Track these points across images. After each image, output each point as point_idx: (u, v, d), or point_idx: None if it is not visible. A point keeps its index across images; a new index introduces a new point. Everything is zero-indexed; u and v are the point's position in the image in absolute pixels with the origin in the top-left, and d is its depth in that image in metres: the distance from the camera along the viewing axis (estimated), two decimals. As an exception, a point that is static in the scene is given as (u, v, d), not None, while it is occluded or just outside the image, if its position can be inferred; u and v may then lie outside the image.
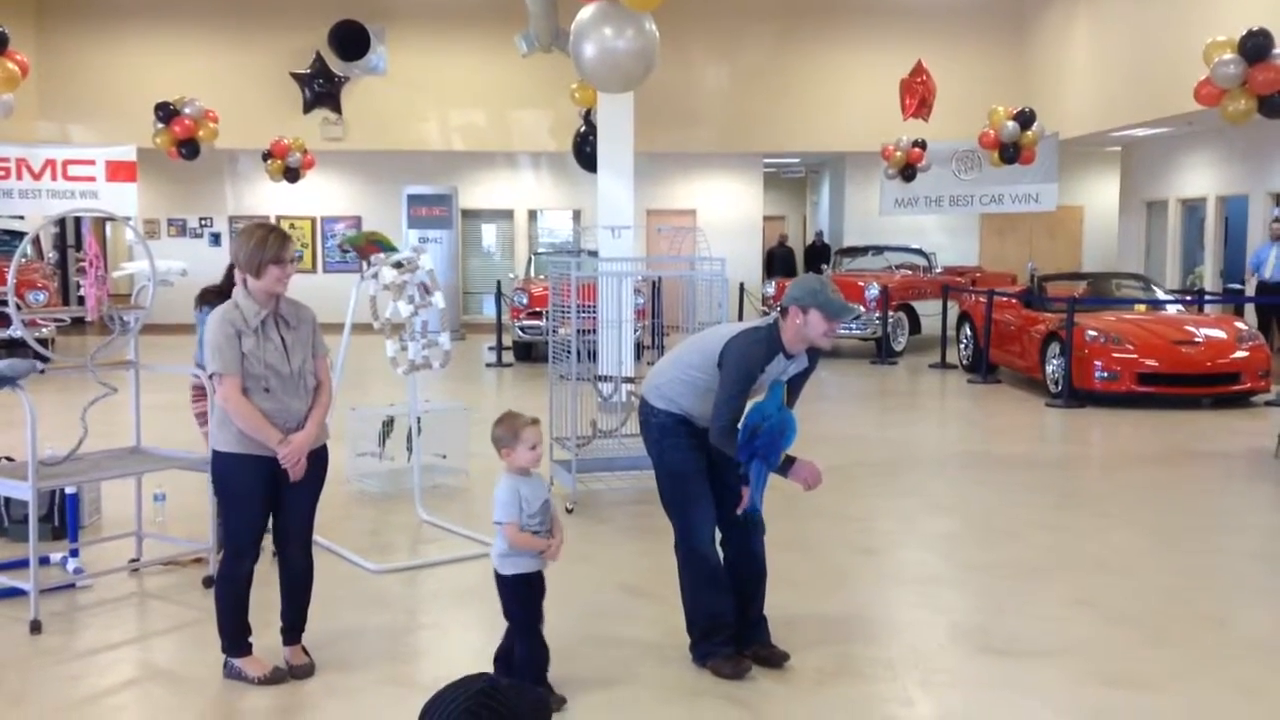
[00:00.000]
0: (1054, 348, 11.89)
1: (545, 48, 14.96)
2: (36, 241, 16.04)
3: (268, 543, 4.53)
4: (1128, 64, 15.73)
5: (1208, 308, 14.11)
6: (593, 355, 9.16)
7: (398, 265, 6.55)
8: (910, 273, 17.90)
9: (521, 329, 15.23)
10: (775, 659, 4.56)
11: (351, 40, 18.59)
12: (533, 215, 21.95)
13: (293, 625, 4.54)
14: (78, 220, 20.09)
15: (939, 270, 18.35)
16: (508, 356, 15.57)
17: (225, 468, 4.38)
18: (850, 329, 15.88)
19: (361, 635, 4.96)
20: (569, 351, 7.59)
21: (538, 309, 14.57)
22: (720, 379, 4.36)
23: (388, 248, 6.83)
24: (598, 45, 8.88)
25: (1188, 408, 11.29)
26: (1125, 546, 6.50)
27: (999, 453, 9.43)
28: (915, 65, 16.06)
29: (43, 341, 10.13)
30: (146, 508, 6.18)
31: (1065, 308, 11.73)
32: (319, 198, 20.92)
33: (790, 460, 4.37)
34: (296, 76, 19.13)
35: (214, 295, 5.67)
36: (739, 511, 4.42)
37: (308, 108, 19.20)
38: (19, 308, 5.75)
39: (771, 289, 17.50)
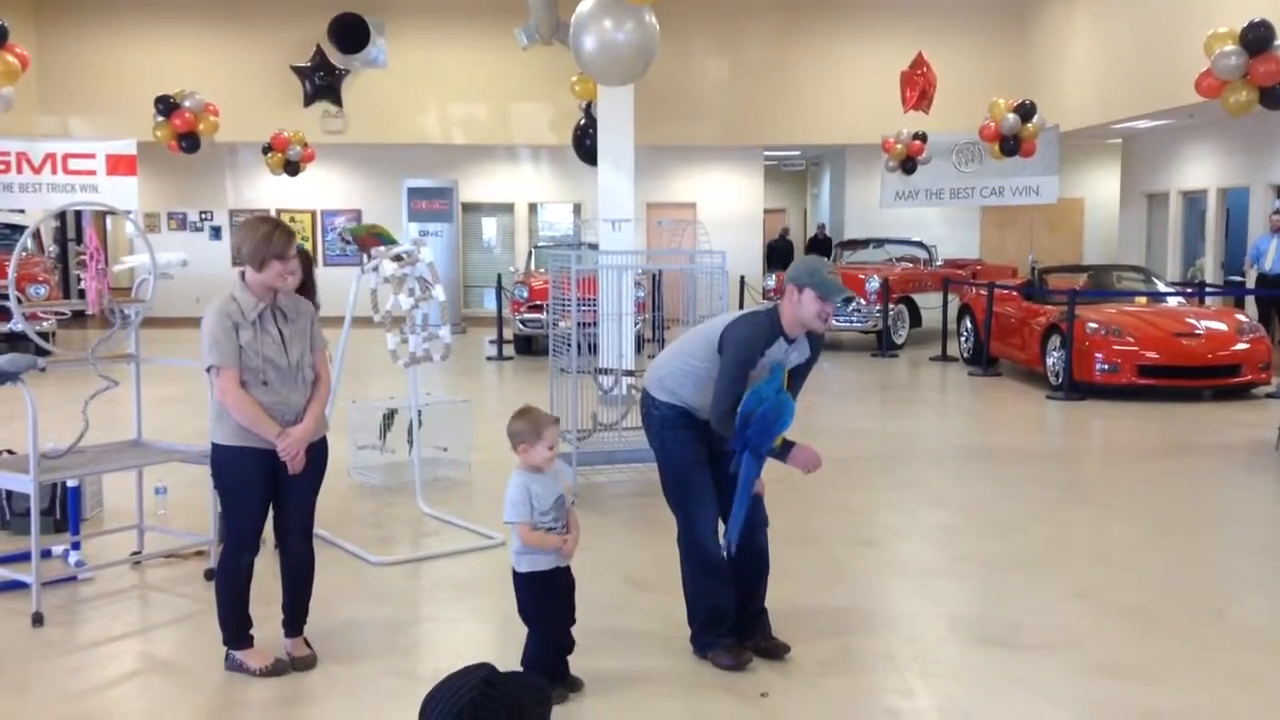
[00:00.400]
0: (1055, 340, 11.89)
1: (545, 40, 14.95)
2: (37, 235, 16.04)
3: (268, 535, 4.54)
4: (1128, 56, 15.71)
5: (1208, 300, 14.11)
6: (593, 348, 9.17)
7: (397, 258, 6.56)
8: (911, 265, 17.88)
9: (522, 322, 15.23)
10: (776, 651, 4.57)
11: (351, 33, 18.56)
12: (533, 208, 21.94)
13: (294, 617, 4.55)
14: (78, 214, 20.09)
15: (939, 263, 18.33)
16: (508, 350, 15.57)
17: (224, 461, 4.38)
18: (851, 322, 15.90)
19: (363, 627, 4.97)
20: (569, 345, 7.59)
21: (538, 302, 14.57)
22: (720, 364, 4.36)
23: (388, 241, 6.83)
24: (598, 38, 8.87)
25: (1188, 400, 11.29)
26: (1125, 538, 6.51)
27: (999, 445, 9.43)
28: (916, 57, 16.04)
29: (43, 335, 10.14)
30: (148, 501, 6.20)
31: (1066, 300, 11.73)
32: (319, 191, 20.91)
33: (789, 445, 4.38)
34: (297, 69, 19.11)
35: None
36: (726, 556, 4.42)
37: (308, 101, 19.18)
38: (19, 301, 5.75)
39: (772, 282, 17.49)
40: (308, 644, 4.56)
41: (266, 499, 4.42)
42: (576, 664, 4.29)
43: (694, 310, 7.85)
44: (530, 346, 15.47)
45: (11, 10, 15.49)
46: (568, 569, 4.26)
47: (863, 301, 15.75)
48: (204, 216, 21.14)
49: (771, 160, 23.75)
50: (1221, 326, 11.75)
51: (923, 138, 16.60)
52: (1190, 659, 4.66)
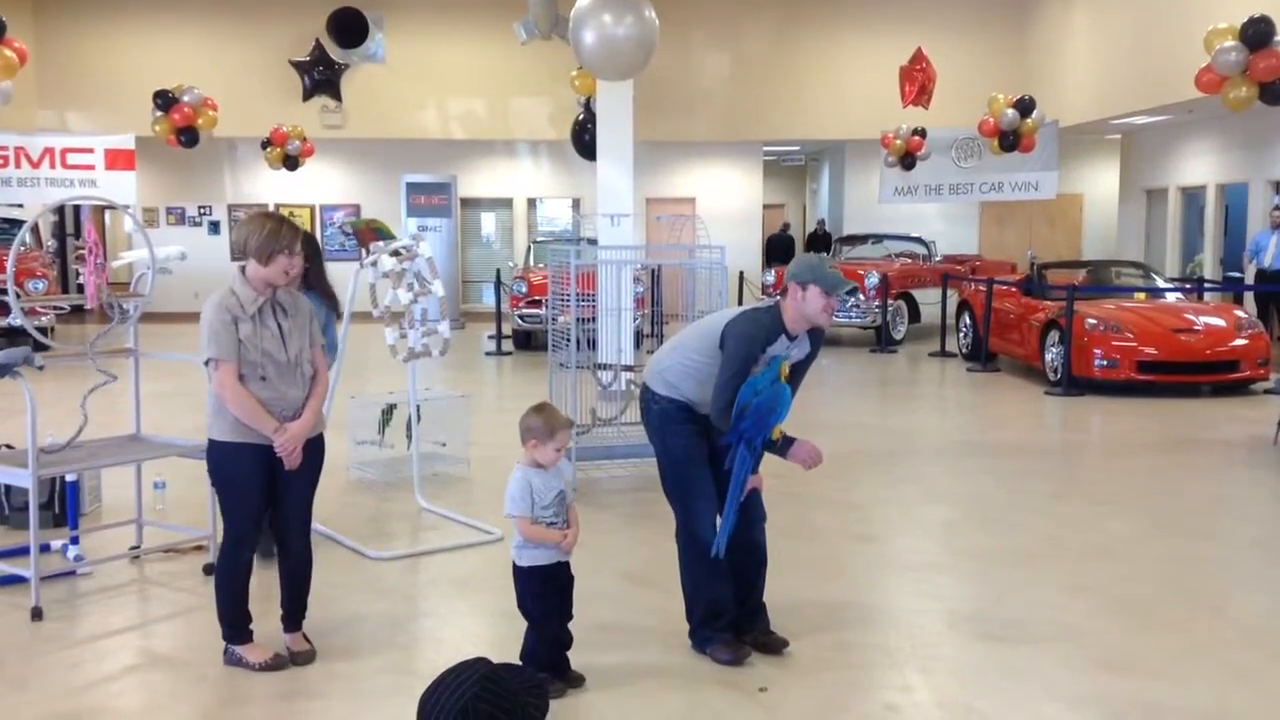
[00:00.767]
0: (1053, 336, 11.89)
1: (544, 35, 14.93)
2: (35, 230, 16.02)
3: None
4: (1128, 51, 15.70)
5: (1207, 296, 14.12)
6: (592, 343, 9.17)
7: (395, 254, 6.55)
8: (910, 261, 17.88)
9: (521, 317, 15.23)
10: (775, 645, 4.57)
11: (350, 27, 18.53)
12: (532, 203, 21.93)
13: (293, 612, 4.55)
14: (76, 208, 20.07)
15: (939, 258, 18.33)
16: (507, 345, 15.57)
17: (221, 456, 4.36)
18: (850, 317, 15.89)
19: (361, 622, 4.97)
20: (568, 340, 7.59)
21: (537, 297, 14.57)
22: (721, 360, 4.36)
23: (387, 236, 6.82)
24: (597, 32, 8.87)
25: (1187, 396, 11.29)
26: (1124, 534, 6.51)
27: (998, 441, 9.44)
28: (915, 53, 16.02)
29: (42, 330, 10.13)
30: (146, 495, 6.19)
31: (1065, 296, 11.73)
32: (318, 186, 20.89)
33: (789, 441, 4.37)
34: (296, 64, 19.09)
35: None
36: (712, 554, 4.39)
37: (307, 95, 19.17)
38: (18, 296, 5.75)
39: (771, 277, 17.49)
40: (307, 639, 4.56)
41: (265, 494, 4.41)
42: (575, 659, 4.30)
43: (693, 305, 7.84)
44: (529, 342, 15.47)
45: (10, 4, 15.46)
46: (567, 564, 4.26)
47: (862, 297, 15.75)
48: (203, 211, 21.12)
49: (771, 156, 23.73)
50: (1220, 322, 11.75)
51: (922, 133, 16.60)
52: (1189, 653, 4.66)
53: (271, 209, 21.00)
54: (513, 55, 17.87)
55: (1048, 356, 12.00)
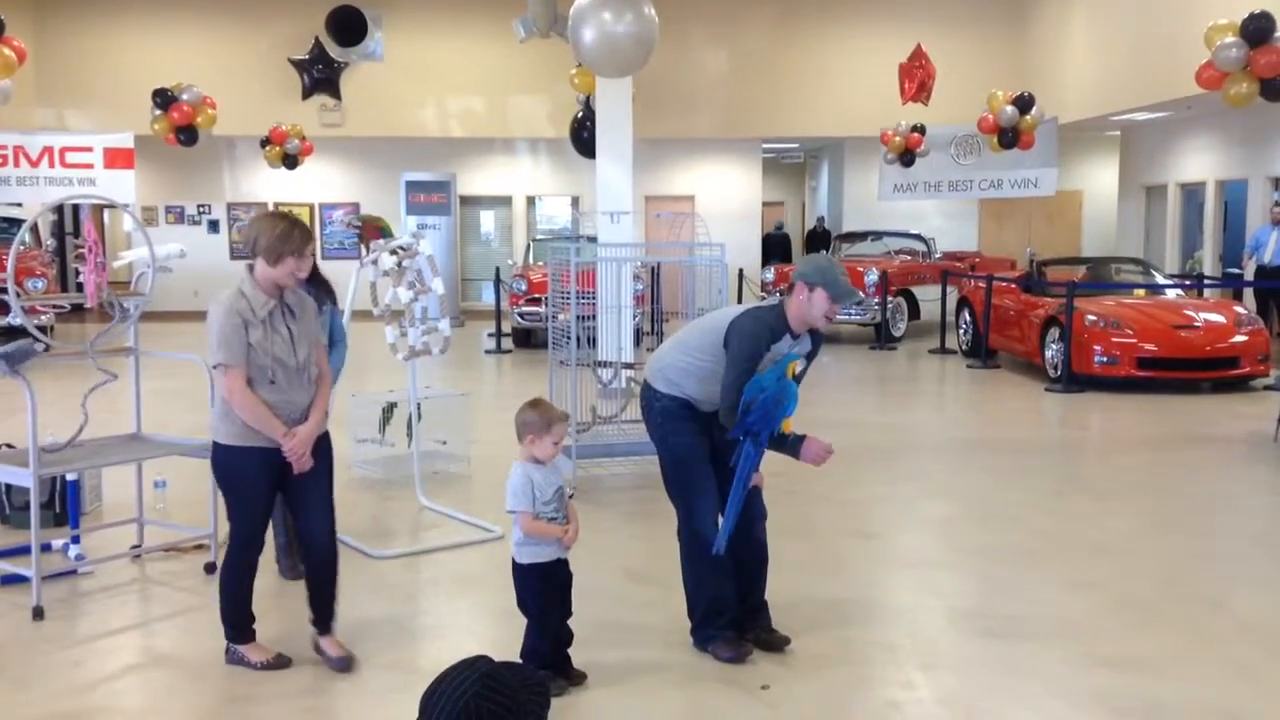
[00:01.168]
0: (1053, 332, 11.89)
1: (543, 33, 14.93)
2: (34, 229, 16.01)
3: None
4: (1127, 47, 15.69)
5: (1207, 292, 14.11)
6: (592, 341, 9.17)
7: (394, 252, 6.55)
8: (909, 258, 17.88)
9: (520, 315, 15.22)
10: (776, 643, 4.57)
11: (349, 26, 18.52)
12: (531, 201, 21.93)
13: (323, 614, 4.47)
14: (75, 207, 20.05)
15: (938, 255, 18.34)
16: (507, 343, 15.57)
17: (227, 460, 4.32)
18: (850, 314, 15.88)
19: (363, 620, 4.96)
20: (568, 337, 7.59)
21: (537, 295, 14.56)
22: (727, 359, 4.35)
23: (388, 234, 6.83)
24: (597, 30, 8.87)
25: (1187, 392, 11.30)
26: (1124, 530, 6.51)
27: (998, 438, 9.43)
28: (914, 49, 16.01)
29: (42, 329, 10.13)
30: (147, 494, 6.20)
31: (1064, 292, 11.73)
32: (317, 184, 20.89)
33: (799, 439, 4.37)
34: (295, 62, 19.08)
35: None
36: (713, 551, 4.38)
37: (306, 94, 19.16)
38: (18, 295, 5.75)
39: (771, 275, 17.49)
40: (341, 644, 4.48)
41: (271, 498, 4.39)
42: (577, 657, 4.30)
43: (693, 303, 7.84)
44: (529, 340, 15.46)
45: (9, 3, 15.43)
46: (566, 562, 4.26)
47: (861, 294, 15.74)
48: (202, 210, 21.12)
49: (770, 153, 23.73)
50: (1220, 319, 11.75)
51: (921, 130, 16.59)
52: (1190, 650, 4.67)
53: (271, 208, 21.03)
54: (511, 53, 17.86)
55: (1048, 353, 12.00)
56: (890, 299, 15.80)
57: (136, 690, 4.36)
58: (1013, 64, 19.08)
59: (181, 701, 4.21)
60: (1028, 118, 15.42)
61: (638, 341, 12.58)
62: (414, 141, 20.08)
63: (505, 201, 21.85)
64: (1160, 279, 13.67)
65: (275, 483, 4.36)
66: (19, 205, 16.96)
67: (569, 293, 7.55)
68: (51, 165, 16.32)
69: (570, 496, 4.41)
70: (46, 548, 5.69)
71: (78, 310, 16.45)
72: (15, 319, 5.45)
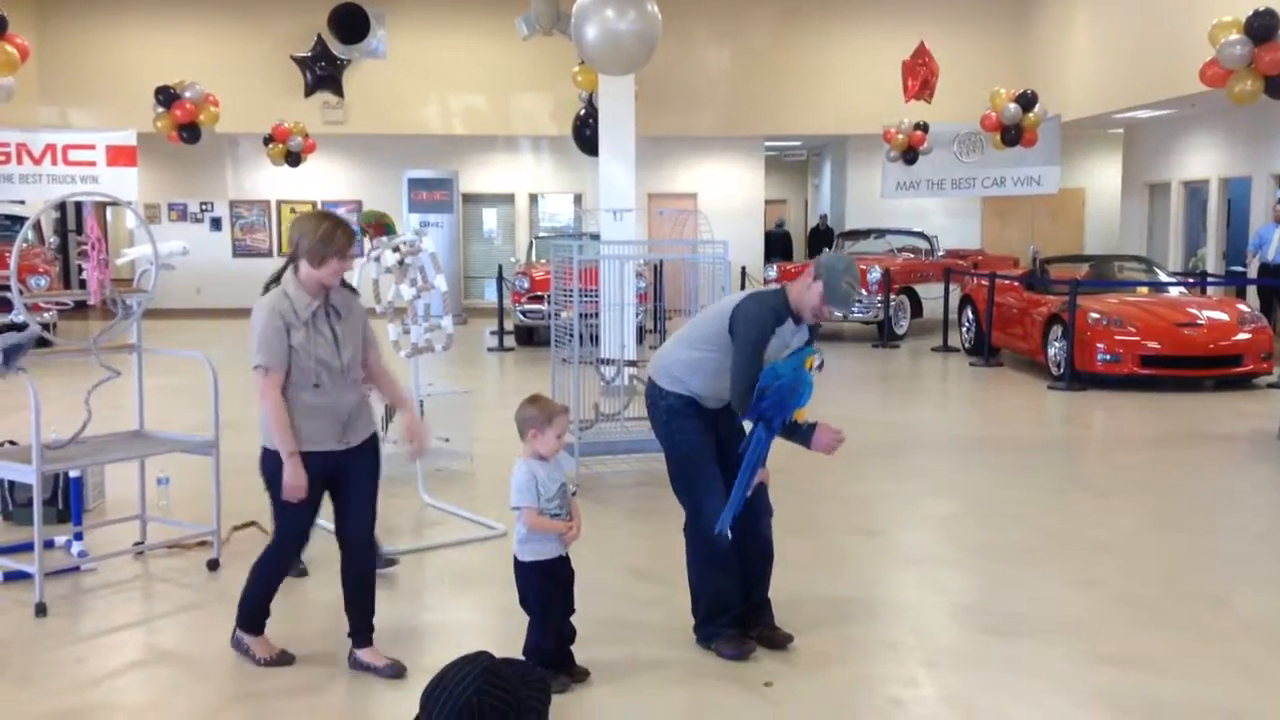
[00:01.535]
0: (1056, 330, 11.88)
1: (546, 30, 14.93)
2: (38, 226, 16.02)
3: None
4: (1130, 45, 15.67)
5: (1210, 290, 14.10)
6: (595, 339, 9.17)
7: (396, 249, 6.55)
8: (912, 256, 17.87)
9: (523, 313, 15.22)
10: (779, 640, 4.57)
11: (351, 23, 18.52)
12: (534, 199, 21.92)
13: (363, 625, 4.38)
14: (78, 205, 20.07)
15: (941, 253, 18.32)
16: (509, 340, 15.57)
17: (276, 467, 4.19)
18: (852, 312, 15.88)
19: (366, 617, 4.96)
20: (571, 335, 7.59)
21: (539, 293, 14.55)
22: (734, 345, 4.35)
23: (392, 231, 6.83)
24: (600, 27, 8.87)
25: (1190, 390, 11.29)
26: (1127, 528, 6.51)
27: (1001, 435, 9.43)
28: (917, 47, 16.00)
29: (45, 326, 10.12)
30: (150, 491, 6.20)
31: (1067, 290, 11.71)
32: (320, 182, 20.88)
33: (811, 428, 4.36)
34: (297, 60, 19.08)
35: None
36: (715, 530, 4.37)
37: (308, 91, 19.16)
38: (21, 292, 5.75)
39: (773, 272, 17.48)
40: (381, 652, 4.41)
41: (317, 503, 4.31)
42: (579, 654, 4.30)
43: (695, 300, 7.83)
44: (531, 337, 15.46)
45: (12, 1, 15.45)
46: (568, 559, 4.26)
47: (864, 292, 15.73)
48: (204, 208, 21.13)
49: (773, 150, 23.72)
50: (1223, 316, 11.74)
51: (924, 128, 16.58)
52: (1193, 648, 4.66)
53: (273, 205, 21.05)
54: (514, 51, 17.86)
55: (1050, 351, 11.99)
56: (893, 297, 15.80)
57: (139, 687, 4.37)
58: (1016, 61, 19.06)
59: (184, 698, 4.22)
60: (1031, 115, 15.41)
61: (640, 339, 12.58)
62: (417, 139, 20.09)
63: (508, 199, 21.85)
64: (1163, 277, 13.66)
65: (324, 486, 4.29)
66: (22, 203, 16.97)
67: (572, 290, 7.55)
68: (54, 163, 16.34)
69: (574, 493, 4.41)
70: (49, 544, 5.70)
71: (81, 307, 16.45)
72: (18, 316, 5.45)
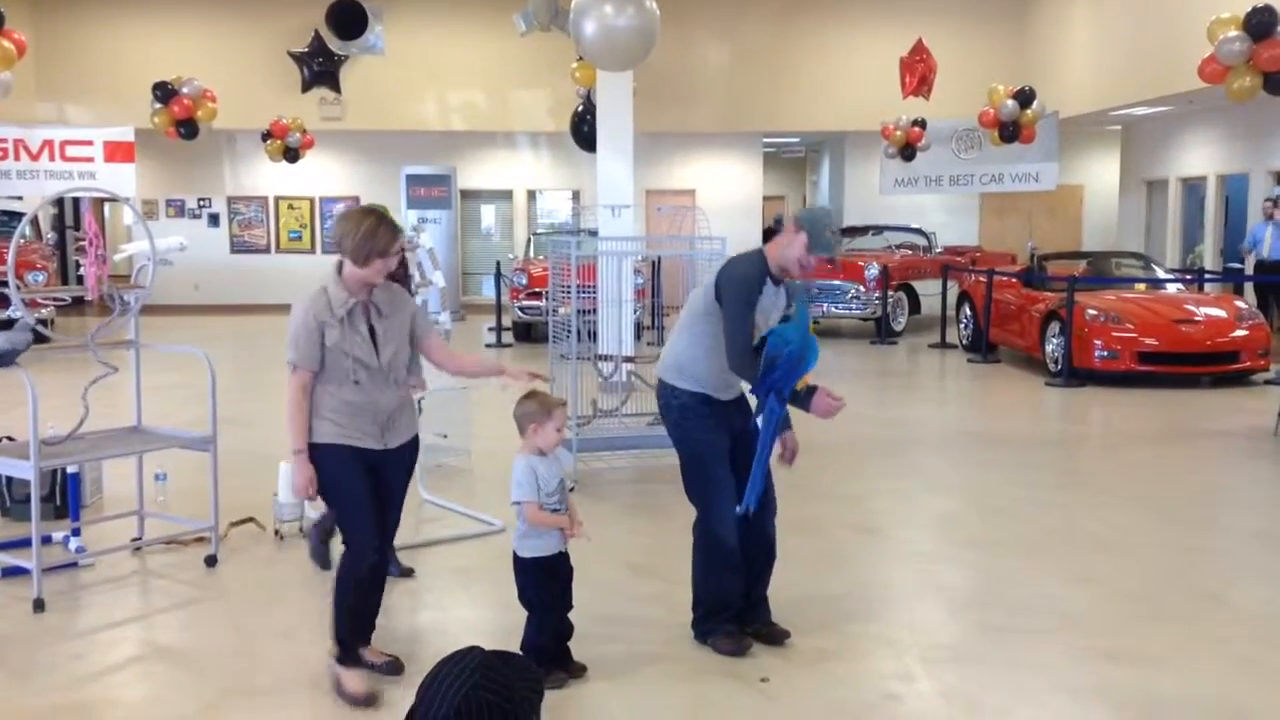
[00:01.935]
0: (1054, 327, 11.89)
1: (544, 26, 14.89)
2: (35, 222, 16.01)
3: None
4: (1128, 42, 15.67)
5: (1208, 286, 14.11)
6: (593, 335, 9.17)
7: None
8: (910, 252, 17.87)
9: (521, 309, 15.22)
10: (776, 636, 4.58)
11: (349, 19, 18.50)
12: (532, 195, 21.91)
13: (368, 624, 4.33)
14: (75, 201, 20.05)
15: (939, 250, 18.32)
16: (507, 337, 15.57)
17: (322, 460, 4.09)
18: (850, 309, 15.90)
19: (364, 613, 4.96)
20: (569, 331, 7.58)
21: (537, 289, 14.55)
22: (724, 310, 4.35)
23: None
24: (598, 23, 8.85)
25: (1187, 386, 11.29)
26: (1125, 524, 6.52)
27: (999, 432, 9.44)
28: (915, 44, 15.99)
29: (43, 322, 10.12)
30: (148, 487, 6.20)
31: (1065, 287, 11.72)
32: (318, 178, 20.88)
33: (811, 391, 4.34)
34: (295, 56, 19.06)
35: None
36: (738, 509, 4.38)
37: (306, 87, 19.14)
38: (18, 288, 5.75)
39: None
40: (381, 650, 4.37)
41: (374, 495, 4.14)
42: (577, 650, 4.30)
43: (694, 297, 7.80)
44: (529, 333, 15.46)
45: (8, -4, 15.42)
46: (568, 555, 4.26)
47: (862, 288, 15.73)
48: (202, 203, 21.11)
49: (771, 147, 23.70)
50: (1221, 313, 11.75)
51: (922, 124, 16.57)
52: (1190, 643, 4.67)
53: (271, 201, 21.03)
54: (512, 47, 17.82)
55: (1048, 347, 11.99)
56: (891, 293, 15.80)
57: (137, 682, 4.37)
58: (1014, 58, 19.05)
59: (182, 694, 4.22)
60: (1029, 112, 15.41)
61: (638, 335, 12.58)
62: (414, 135, 20.07)
63: (506, 195, 21.84)
64: (1161, 273, 13.67)
65: (371, 477, 4.15)
66: (19, 199, 16.94)
67: (570, 286, 7.55)
68: (52, 159, 16.30)
69: (571, 489, 4.40)
70: (47, 540, 5.69)
71: (78, 303, 16.47)
72: (16, 312, 5.45)
